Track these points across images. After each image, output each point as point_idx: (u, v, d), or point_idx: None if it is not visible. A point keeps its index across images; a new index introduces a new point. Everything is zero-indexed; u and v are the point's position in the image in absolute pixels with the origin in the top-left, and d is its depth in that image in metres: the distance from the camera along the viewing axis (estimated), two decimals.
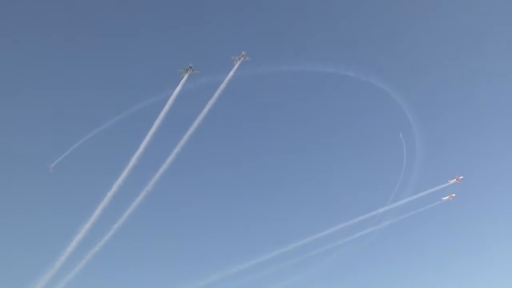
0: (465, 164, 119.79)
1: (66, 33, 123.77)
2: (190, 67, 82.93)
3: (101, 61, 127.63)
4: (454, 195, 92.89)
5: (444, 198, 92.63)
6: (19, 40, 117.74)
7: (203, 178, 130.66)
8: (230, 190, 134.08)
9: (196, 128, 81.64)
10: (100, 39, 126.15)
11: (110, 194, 77.15)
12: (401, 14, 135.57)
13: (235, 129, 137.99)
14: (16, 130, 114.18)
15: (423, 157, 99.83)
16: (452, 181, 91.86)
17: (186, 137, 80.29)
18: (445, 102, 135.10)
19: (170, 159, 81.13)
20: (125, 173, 76.99)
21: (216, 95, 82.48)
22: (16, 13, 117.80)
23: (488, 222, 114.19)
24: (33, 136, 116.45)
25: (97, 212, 76.52)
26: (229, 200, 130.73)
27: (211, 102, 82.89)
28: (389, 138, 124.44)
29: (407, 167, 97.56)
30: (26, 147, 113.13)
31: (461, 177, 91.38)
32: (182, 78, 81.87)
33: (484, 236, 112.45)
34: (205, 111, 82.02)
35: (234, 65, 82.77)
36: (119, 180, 77.57)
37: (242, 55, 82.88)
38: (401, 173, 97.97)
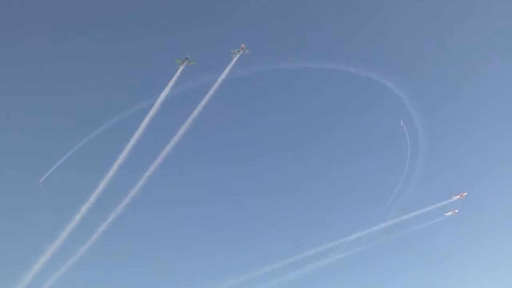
0: (469, 180, 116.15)
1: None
2: (187, 58, 79.36)
3: (95, 53, 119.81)
4: (457, 211, 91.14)
5: (447, 214, 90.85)
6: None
7: (197, 176, 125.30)
8: (228, 189, 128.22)
9: (191, 124, 77.66)
10: (95, 31, 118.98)
11: (101, 191, 72.62)
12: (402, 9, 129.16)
13: (232, 126, 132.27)
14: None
15: (427, 169, 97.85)
16: (455, 198, 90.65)
17: (180, 133, 75.94)
18: (450, 108, 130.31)
19: (161, 157, 76.70)
20: (113, 171, 72.02)
21: (213, 90, 78.84)
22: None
23: (490, 237, 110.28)
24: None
25: (88, 209, 73.14)
26: (227, 199, 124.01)
27: (207, 98, 79.15)
28: (393, 139, 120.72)
29: (409, 177, 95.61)
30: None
31: (465, 193, 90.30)
32: (177, 70, 78.56)
33: (486, 253, 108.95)
34: (201, 106, 78.17)
35: (233, 58, 79.17)
36: (109, 178, 73.68)
37: (242, 48, 79.67)
38: (403, 184, 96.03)
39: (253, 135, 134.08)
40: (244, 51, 79.51)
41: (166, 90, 77.25)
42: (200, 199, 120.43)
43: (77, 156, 78.84)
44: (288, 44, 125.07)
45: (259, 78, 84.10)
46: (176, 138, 77.05)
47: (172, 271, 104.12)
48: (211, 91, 79.01)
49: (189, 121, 77.18)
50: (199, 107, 78.79)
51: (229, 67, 78.49)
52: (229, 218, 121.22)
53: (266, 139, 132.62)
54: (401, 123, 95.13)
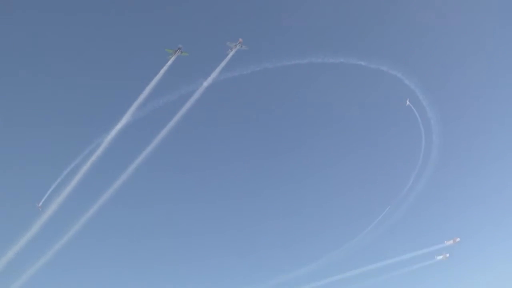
0: (464, 226, 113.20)
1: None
2: (179, 49, 74.00)
3: (83, 41, 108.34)
4: (448, 255, 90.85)
5: (438, 258, 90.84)
6: None
7: (195, 174, 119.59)
8: (232, 189, 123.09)
9: (178, 122, 73.66)
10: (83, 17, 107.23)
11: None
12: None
13: (235, 123, 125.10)
14: None
15: None
16: (448, 242, 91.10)
17: (164, 132, 71.74)
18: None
19: (142, 156, 72.68)
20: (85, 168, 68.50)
21: (205, 85, 73.67)
22: None
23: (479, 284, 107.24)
24: None
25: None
26: (227, 199, 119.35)
27: (197, 94, 74.05)
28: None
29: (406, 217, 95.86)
30: None
31: (458, 239, 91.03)
32: (168, 61, 73.12)
33: None
34: (190, 103, 73.36)
35: (229, 53, 73.60)
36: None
37: (239, 42, 73.82)
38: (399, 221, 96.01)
39: (256, 133, 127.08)
40: (241, 47, 73.94)
41: (153, 83, 72.07)
42: (198, 199, 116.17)
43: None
44: (291, 38, 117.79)
45: (259, 73, 77.63)
46: (162, 136, 73.15)
47: (165, 272, 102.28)
48: (204, 86, 74.05)
49: (176, 118, 72.86)
50: (189, 104, 74.11)
51: (223, 63, 73.13)
52: (230, 220, 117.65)
53: (268, 138, 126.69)
54: (407, 102, 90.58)
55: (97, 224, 71.99)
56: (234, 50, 73.47)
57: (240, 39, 73.82)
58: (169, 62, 73.14)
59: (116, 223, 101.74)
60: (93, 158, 69.79)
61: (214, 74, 73.85)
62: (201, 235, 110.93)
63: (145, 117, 73.25)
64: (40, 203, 71.17)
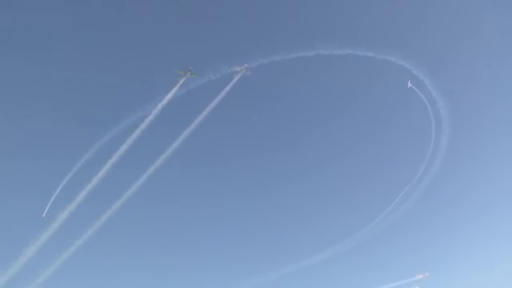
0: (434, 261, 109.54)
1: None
2: (190, 70, 78.54)
3: (96, 61, 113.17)
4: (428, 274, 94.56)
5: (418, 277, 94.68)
6: None
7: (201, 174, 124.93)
8: (237, 187, 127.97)
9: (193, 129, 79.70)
10: (97, 39, 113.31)
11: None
12: None
13: (244, 116, 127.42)
14: None
15: None
16: (419, 277, 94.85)
17: (181, 138, 77.78)
18: None
19: (162, 158, 79.19)
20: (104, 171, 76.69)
21: (212, 106, 79.07)
22: None
23: None
24: None
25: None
26: (231, 193, 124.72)
27: (212, 105, 79.55)
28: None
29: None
30: None
31: (428, 274, 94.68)
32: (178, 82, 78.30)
33: None
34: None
35: (234, 77, 77.44)
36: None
37: (244, 68, 76.92)
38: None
39: (263, 124, 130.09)
40: (246, 72, 77.27)
41: (164, 102, 77.67)
42: (198, 195, 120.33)
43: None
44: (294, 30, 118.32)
45: (267, 66, 79.92)
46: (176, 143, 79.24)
47: (163, 267, 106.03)
48: (210, 108, 79.24)
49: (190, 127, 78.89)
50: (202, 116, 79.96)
51: (227, 88, 77.19)
52: (236, 215, 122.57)
53: (277, 130, 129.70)
54: (409, 83, 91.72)
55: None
56: (238, 76, 76.96)
57: (246, 64, 77.23)
58: (179, 84, 78.24)
59: (116, 222, 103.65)
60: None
61: (220, 96, 78.95)
62: (201, 230, 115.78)
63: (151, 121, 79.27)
64: (45, 214, 75.24)
